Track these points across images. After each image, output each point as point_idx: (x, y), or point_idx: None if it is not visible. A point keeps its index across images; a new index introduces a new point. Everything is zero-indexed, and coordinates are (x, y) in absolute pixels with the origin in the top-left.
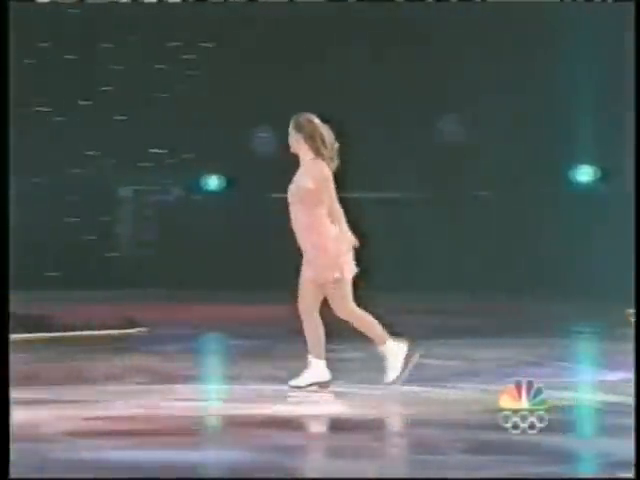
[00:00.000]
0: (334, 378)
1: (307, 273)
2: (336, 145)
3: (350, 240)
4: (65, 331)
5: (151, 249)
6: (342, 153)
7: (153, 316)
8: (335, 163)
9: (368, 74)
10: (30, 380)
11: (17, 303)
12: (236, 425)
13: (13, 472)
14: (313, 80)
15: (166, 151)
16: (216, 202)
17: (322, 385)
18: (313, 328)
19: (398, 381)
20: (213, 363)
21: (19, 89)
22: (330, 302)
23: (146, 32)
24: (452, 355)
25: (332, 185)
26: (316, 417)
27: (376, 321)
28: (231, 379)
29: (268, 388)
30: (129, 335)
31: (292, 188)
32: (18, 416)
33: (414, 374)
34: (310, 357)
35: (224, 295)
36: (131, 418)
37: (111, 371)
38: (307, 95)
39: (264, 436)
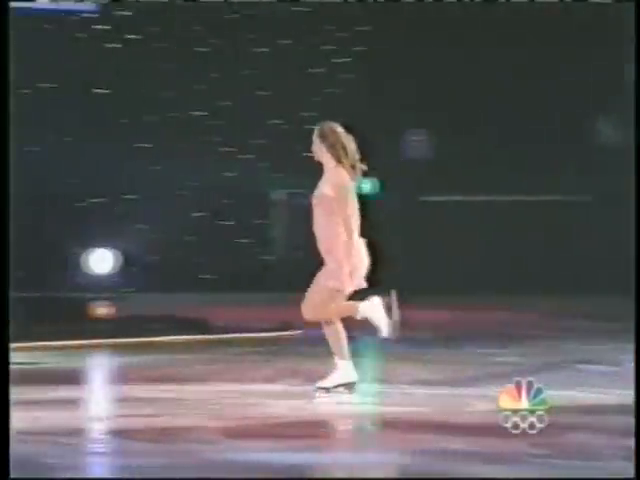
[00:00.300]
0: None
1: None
2: (357, 155)
3: (361, 253)
4: (219, 333)
5: (303, 252)
6: (503, 156)
7: None
8: (358, 172)
9: (521, 75)
10: (184, 381)
11: (172, 305)
12: (388, 427)
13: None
14: (470, 81)
15: None
16: (368, 205)
17: (348, 386)
18: (334, 331)
19: (395, 329)
20: (365, 366)
21: (164, 94)
22: (313, 302)
23: (299, 35)
24: (602, 360)
25: (351, 194)
26: (469, 419)
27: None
28: (383, 382)
29: (420, 392)
30: (284, 337)
31: (315, 193)
32: (172, 417)
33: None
34: (336, 359)
35: None
36: (284, 419)
37: (265, 373)
38: (459, 97)
39: (416, 439)
